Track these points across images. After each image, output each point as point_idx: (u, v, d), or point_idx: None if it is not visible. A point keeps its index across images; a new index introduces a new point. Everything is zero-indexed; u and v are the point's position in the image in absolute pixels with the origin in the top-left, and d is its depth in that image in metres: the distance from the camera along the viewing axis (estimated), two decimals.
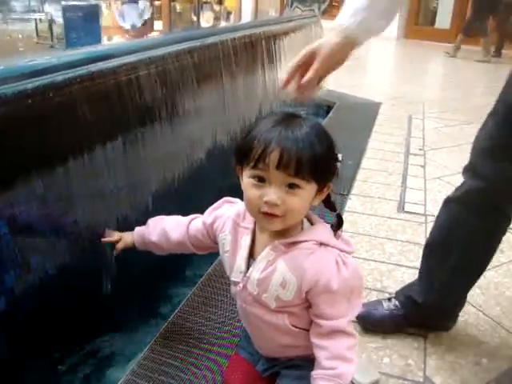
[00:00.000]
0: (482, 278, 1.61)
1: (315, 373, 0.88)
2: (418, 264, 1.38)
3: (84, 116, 1.20)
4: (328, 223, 0.93)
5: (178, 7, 3.98)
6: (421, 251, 1.36)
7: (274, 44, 2.77)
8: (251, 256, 0.92)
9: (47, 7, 2.20)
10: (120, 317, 1.39)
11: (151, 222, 1.16)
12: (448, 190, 1.34)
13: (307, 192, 0.82)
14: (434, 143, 3.05)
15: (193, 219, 1.09)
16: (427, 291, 1.29)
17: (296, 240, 0.87)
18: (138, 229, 1.18)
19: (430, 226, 1.35)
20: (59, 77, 1.12)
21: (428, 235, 1.34)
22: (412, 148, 2.96)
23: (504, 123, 1.10)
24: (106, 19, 2.46)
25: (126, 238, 1.19)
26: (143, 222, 1.19)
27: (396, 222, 2.03)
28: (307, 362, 0.93)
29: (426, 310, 1.30)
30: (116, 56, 1.34)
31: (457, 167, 1.85)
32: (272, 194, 0.79)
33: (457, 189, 1.23)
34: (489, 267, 1.68)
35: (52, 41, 1.79)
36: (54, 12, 1.88)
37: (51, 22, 1.88)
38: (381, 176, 2.52)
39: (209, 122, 1.97)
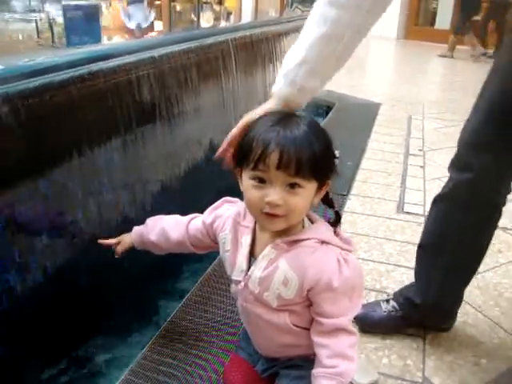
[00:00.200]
0: (480, 278, 1.63)
1: (316, 371, 0.87)
2: None
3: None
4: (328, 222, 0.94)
5: (178, 7, 3.98)
6: None
7: (275, 44, 2.77)
8: (252, 255, 0.92)
9: (48, 7, 2.21)
10: (119, 317, 1.40)
11: (150, 221, 1.15)
12: None
13: (308, 191, 0.82)
14: (433, 144, 3.05)
15: (192, 219, 1.09)
16: (424, 291, 1.29)
17: (298, 238, 0.88)
18: (136, 228, 1.17)
19: None
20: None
21: (420, 236, 1.34)
22: (411, 149, 2.97)
23: (486, 121, 1.11)
24: (106, 19, 2.46)
25: (125, 240, 1.17)
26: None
27: (395, 223, 2.03)
28: (307, 362, 0.93)
29: (424, 310, 1.30)
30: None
31: None
32: (273, 194, 0.79)
33: (444, 186, 1.24)
34: (488, 268, 1.70)
35: (52, 41, 1.79)
36: (55, 12, 1.89)
37: (52, 21, 1.88)
38: (380, 176, 2.52)
39: (209, 123, 1.98)
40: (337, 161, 0.86)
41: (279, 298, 0.88)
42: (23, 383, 1.21)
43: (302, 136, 0.80)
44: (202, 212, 1.06)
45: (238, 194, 0.97)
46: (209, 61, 1.95)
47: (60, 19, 1.74)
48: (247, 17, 4.83)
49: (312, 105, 3.56)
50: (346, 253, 0.88)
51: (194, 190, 1.74)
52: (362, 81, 5.18)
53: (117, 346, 1.40)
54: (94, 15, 1.78)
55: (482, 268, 1.68)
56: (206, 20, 3.21)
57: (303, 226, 0.90)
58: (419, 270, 1.33)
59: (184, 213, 1.11)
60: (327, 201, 0.93)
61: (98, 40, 1.76)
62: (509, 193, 1.19)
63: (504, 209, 1.21)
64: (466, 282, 1.30)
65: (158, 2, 3.66)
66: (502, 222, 2.00)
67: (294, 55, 0.95)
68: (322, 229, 0.90)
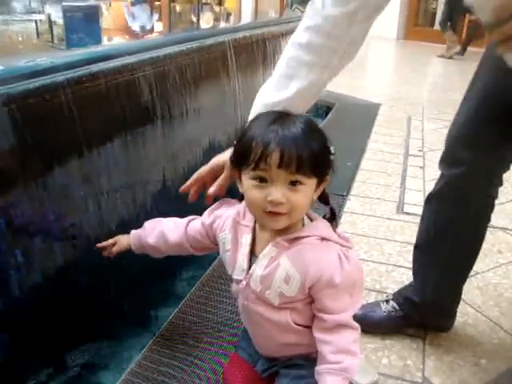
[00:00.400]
0: (480, 278, 1.63)
1: (320, 368, 0.87)
2: None
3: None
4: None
5: (178, 8, 3.98)
6: None
7: (275, 45, 2.77)
8: (252, 254, 0.93)
9: (47, 8, 2.20)
10: (118, 317, 1.40)
11: (148, 224, 1.15)
12: None
13: (309, 187, 0.84)
14: (433, 144, 3.05)
15: (190, 220, 1.09)
16: (423, 291, 1.29)
17: (298, 235, 0.88)
18: (134, 232, 1.16)
19: None
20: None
21: (416, 236, 1.34)
22: (411, 149, 2.97)
23: (475, 115, 1.12)
24: (106, 20, 2.46)
25: (122, 241, 1.17)
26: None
27: (395, 223, 2.03)
28: (307, 361, 0.94)
29: (424, 310, 1.31)
30: None
31: None
32: (275, 192, 0.80)
33: (436, 184, 1.24)
34: (487, 268, 1.70)
35: (53, 42, 1.79)
36: (55, 13, 1.89)
37: (51, 22, 1.88)
38: (380, 177, 2.52)
39: (209, 123, 1.98)
40: (332, 157, 0.87)
41: (281, 295, 0.88)
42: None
43: (300, 134, 0.81)
44: (201, 214, 1.07)
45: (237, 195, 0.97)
46: (209, 61, 1.95)
47: (60, 20, 1.74)
48: (247, 17, 4.83)
49: (312, 105, 3.56)
50: (347, 249, 0.88)
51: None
52: (361, 81, 5.19)
53: (117, 347, 1.40)
54: (93, 16, 1.78)
55: (481, 268, 1.69)
56: (206, 21, 3.21)
57: (303, 225, 0.91)
58: (416, 269, 1.34)
59: (184, 215, 1.11)
60: (323, 198, 0.94)
61: (98, 41, 1.77)
62: (500, 186, 1.19)
63: (504, 209, 1.21)
64: (463, 278, 1.30)
65: (157, 3, 3.66)
66: (502, 223, 2.02)
67: (272, 93, 1.00)
68: (322, 226, 0.91)
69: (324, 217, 0.94)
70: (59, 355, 1.31)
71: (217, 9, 4.50)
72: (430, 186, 1.28)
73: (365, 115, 3.75)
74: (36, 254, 1.17)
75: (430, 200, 1.26)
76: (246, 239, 0.93)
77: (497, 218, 2.02)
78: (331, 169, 0.88)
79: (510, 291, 1.58)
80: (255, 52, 2.50)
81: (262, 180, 0.81)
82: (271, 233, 0.90)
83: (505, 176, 1.18)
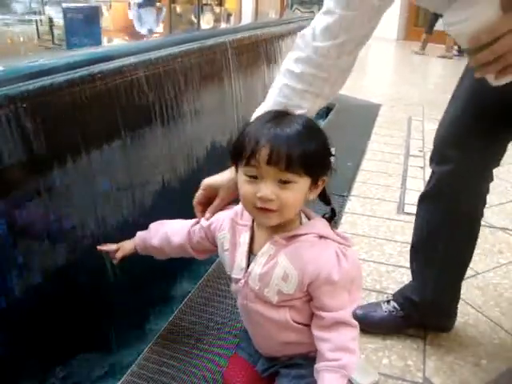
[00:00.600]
0: (481, 279, 1.63)
1: (319, 365, 0.88)
2: None
3: None
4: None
5: (179, 9, 3.99)
6: None
7: (275, 45, 2.78)
8: (251, 252, 0.93)
9: (48, 9, 2.21)
10: (119, 318, 1.40)
11: (152, 226, 1.17)
12: None
13: (300, 186, 0.83)
14: None
15: (193, 223, 1.10)
16: (423, 290, 1.30)
17: (296, 233, 0.88)
18: (139, 233, 1.19)
19: None
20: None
21: (411, 236, 1.34)
22: (412, 149, 2.97)
23: (462, 113, 1.13)
24: (106, 21, 2.46)
25: (126, 246, 1.19)
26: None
27: (395, 224, 2.03)
28: (307, 361, 0.94)
29: (424, 309, 1.31)
30: None
31: None
32: (265, 189, 0.81)
33: (427, 183, 1.24)
34: (488, 268, 1.70)
35: (53, 43, 1.80)
36: (55, 14, 1.89)
37: (52, 23, 1.89)
38: (380, 177, 2.52)
39: (210, 124, 1.98)
40: (333, 158, 0.87)
41: (279, 293, 0.89)
42: None
43: (293, 133, 0.81)
44: None
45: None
46: (209, 62, 1.95)
47: (60, 21, 1.75)
48: (247, 18, 4.84)
49: None
50: (345, 247, 0.88)
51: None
52: (362, 82, 5.18)
53: (118, 347, 1.40)
54: (93, 17, 1.78)
55: (482, 268, 1.69)
56: (206, 22, 3.21)
57: (301, 223, 0.91)
58: (415, 269, 1.34)
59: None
60: (324, 198, 0.94)
61: (98, 42, 1.77)
62: (491, 181, 1.20)
63: (504, 209, 1.21)
64: (460, 276, 1.31)
65: (158, 4, 3.67)
66: (502, 223, 2.02)
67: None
68: (320, 224, 0.91)
69: (323, 216, 0.95)
70: (59, 356, 1.31)
71: (217, 9, 4.51)
72: None
73: (365, 116, 3.75)
74: (37, 253, 1.17)
75: (422, 199, 1.27)
76: (244, 238, 0.94)
77: (497, 218, 2.02)
78: (330, 170, 0.88)
79: (510, 291, 1.58)
80: (256, 52, 2.50)
81: (254, 176, 0.83)
82: (269, 231, 0.90)
83: (505, 176, 1.19)
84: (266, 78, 2.61)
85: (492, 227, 1.97)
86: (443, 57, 7.17)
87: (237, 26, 3.47)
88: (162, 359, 1.22)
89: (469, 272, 1.63)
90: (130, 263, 1.27)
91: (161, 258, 1.18)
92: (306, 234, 0.88)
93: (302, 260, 0.86)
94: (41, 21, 2.05)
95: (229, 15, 4.29)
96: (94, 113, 1.29)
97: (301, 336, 0.93)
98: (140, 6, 2.96)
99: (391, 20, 8.52)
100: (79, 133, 1.25)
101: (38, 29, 1.98)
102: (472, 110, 1.11)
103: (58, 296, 1.23)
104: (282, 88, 1.03)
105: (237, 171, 0.88)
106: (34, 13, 2.29)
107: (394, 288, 1.49)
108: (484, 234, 1.91)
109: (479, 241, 1.26)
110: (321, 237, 0.88)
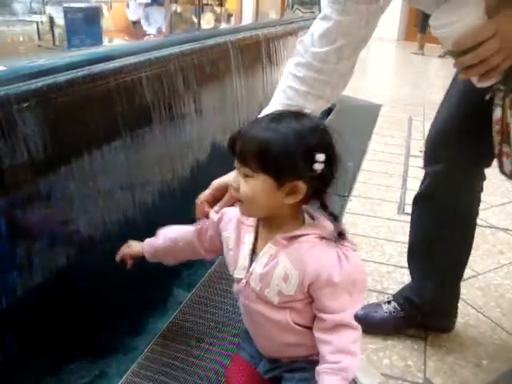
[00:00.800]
0: (482, 279, 1.63)
1: (319, 367, 0.87)
2: None
3: None
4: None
5: (179, 9, 3.98)
6: None
7: (275, 45, 2.77)
8: (254, 252, 0.94)
9: (48, 9, 2.21)
10: (120, 318, 1.40)
11: (161, 231, 1.18)
12: None
13: (258, 183, 0.84)
14: None
15: (202, 225, 1.10)
16: (422, 291, 1.30)
17: (297, 234, 0.88)
18: (147, 240, 1.19)
19: None
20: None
21: (408, 238, 1.34)
22: (412, 150, 2.97)
23: (457, 108, 1.14)
24: (106, 21, 2.45)
25: (134, 246, 1.21)
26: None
27: (396, 224, 2.03)
28: (310, 364, 0.93)
29: (424, 310, 1.31)
30: None
31: None
32: (234, 178, 0.88)
33: (421, 184, 1.25)
34: (489, 269, 1.70)
35: (54, 43, 1.80)
36: (56, 14, 1.89)
37: (52, 24, 1.88)
38: (381, 178, 2.53)
39: (211, 124, 1.98)
40: (317, 165, 0.83)
41: (280, 294, 0.89)
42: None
43: (263, 131, 0.83)
44: None
45: None
46: (210, 62, 1.95)
47: (61, 21, 1.75)
48: (248, 18, 4.83)
49: None
50: (347, 249, 0.88)
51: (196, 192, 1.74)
52: (362, 82, 5.18)
53: (118, 347, 1.40)
54: (94, 17, 1.78)
55: (483, 269, 1.69)
56: (207, 22, 3.21)
57: (304, 223, 0.91)
58: (413, 270, 1.35)
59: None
60: (322, 204, 0.92)
61: (98, 42, 1.77)
62: (484, 180, 1.20)
63: (505, 210, 1.21)
64: (459, 276, 1.31)
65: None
66: (503, 223, 2.02)
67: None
68: (322, 225, 0.91)
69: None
70: (59, 356, 1.31)
71: (218, 10, 4.50)
72: None
73: (366, 116, 3.75)
74: (37, 253, 1.17)
75: (416, 200, 1.27)
76: (248, 238, 0.94)
77: (498, 218, 2.02)
78: (303, 176, 0.83)
79: (511, 292, 1.58)
80: (256, 52, 2.50)
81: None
82: (271, 231, 0.91)
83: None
84: (266, 78, 2.61)
85: (493, 228, 1.97)
86: (443, 57, 7.17)
87: (237, 26, 3.47)
88: (163, 359, 1.22)
89: (469, 272, 1.63)
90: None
91: (170, 263, 1.19)
92: (307, 235, 0.88)
93: (302, 261, 0.86)
94: (41, 21, 2.05)
95: (229, 15, 4.28)
96: (94, 113, 1.29)
97: (301, 338, 0.93)
98: (147, 5, 2.93)
99: (392, 20, 8.52)
100: (79, 133, 1.25)
101: (38, 29, 1.98)
102: (463, 111, 1.12)
103: (56, 298, 1.23)
104: (285, 90, 1.06)
105: None
106: (35, 13, 2.29)
107: (394, 288, 1.49)
108: (485, 234, 1.91)
109: (480, 241, 1.26)
110: (322, 238, 0.88)
